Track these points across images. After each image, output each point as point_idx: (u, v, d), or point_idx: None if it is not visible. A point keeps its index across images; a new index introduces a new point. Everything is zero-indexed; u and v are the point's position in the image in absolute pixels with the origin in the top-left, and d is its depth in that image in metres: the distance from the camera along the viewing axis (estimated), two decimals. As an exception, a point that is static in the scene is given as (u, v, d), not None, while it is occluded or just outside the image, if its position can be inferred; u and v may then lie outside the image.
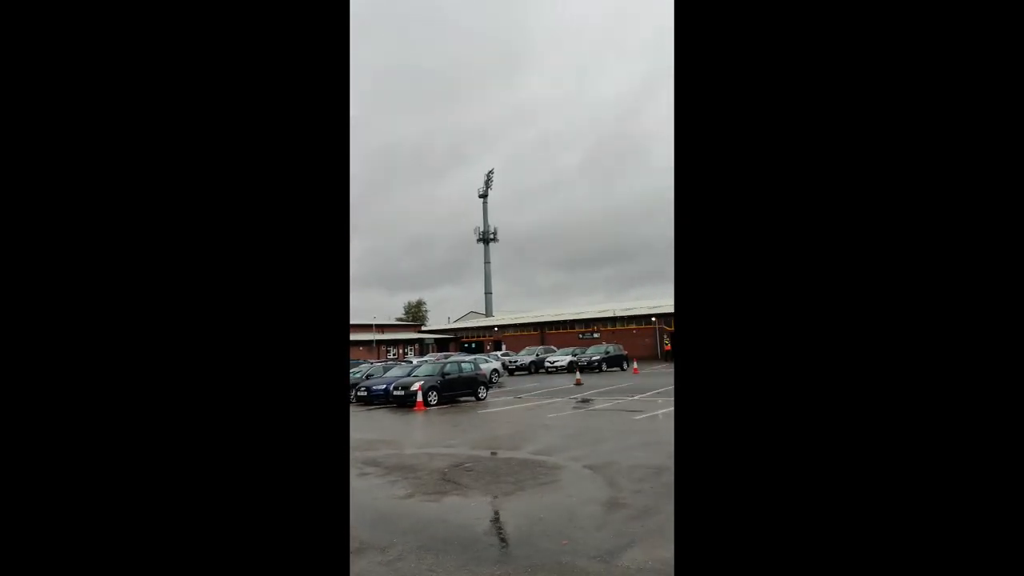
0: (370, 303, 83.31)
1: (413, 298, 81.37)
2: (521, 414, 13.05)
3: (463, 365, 17.18)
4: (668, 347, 38.99)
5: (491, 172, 61.33)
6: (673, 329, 39.13)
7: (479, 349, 43.72)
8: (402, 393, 15.20)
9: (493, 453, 8.48)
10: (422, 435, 11.03)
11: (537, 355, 30.27)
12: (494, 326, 48.82)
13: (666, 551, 4.17)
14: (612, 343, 32.98)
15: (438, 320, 62.47)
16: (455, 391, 15.97)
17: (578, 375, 21.87)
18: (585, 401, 14.81)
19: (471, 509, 5.65)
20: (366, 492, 6.40)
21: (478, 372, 17.30)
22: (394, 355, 42.73)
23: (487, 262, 59.54)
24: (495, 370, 22.89)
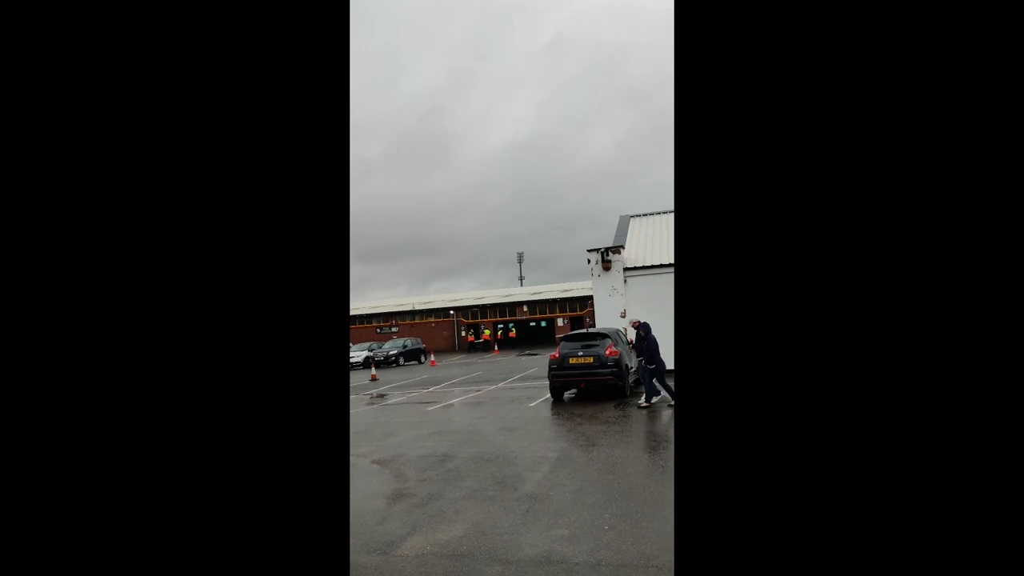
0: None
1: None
2: (310, 414, 12.40)
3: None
4: (471, 339, 40.29)
5: (281, 157, 57.01)
6: (470, 321, 40.56)
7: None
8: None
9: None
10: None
11: (332, 352, 28.99)
12: (285, 323, 45.61)
13: (445, 534, 4.33)
14: (411, 336, 33.03)
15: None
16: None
17: (373, 371, 21.51)
18: (380, 396, 14.62)
19: (244, 519, 5.22)
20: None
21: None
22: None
23: (277, 254, 55.28)
24: (284, 369, 21.42)
